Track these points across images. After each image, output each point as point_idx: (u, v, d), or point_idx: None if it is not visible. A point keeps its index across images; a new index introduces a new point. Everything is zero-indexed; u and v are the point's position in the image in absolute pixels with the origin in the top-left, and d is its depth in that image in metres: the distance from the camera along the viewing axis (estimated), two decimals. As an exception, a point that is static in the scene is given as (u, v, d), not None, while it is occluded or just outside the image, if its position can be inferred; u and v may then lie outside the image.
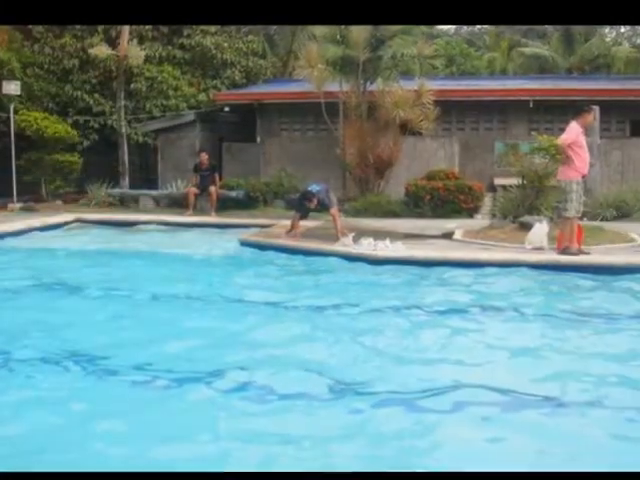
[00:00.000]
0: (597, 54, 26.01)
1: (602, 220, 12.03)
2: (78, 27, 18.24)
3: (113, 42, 17.03)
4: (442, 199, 13.83)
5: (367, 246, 9.10)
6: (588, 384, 4.52)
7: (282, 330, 5.78)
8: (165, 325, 6.06)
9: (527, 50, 26.67)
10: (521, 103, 15.98)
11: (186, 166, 16.33)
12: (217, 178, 14.85)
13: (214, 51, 19.42)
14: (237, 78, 19.88)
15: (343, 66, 15.03)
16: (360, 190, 14.91)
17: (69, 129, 16.92)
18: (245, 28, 21.66)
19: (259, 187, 15.15)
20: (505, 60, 28.70)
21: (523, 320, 6.26)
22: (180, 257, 9.73)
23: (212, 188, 14.39)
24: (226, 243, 10.43)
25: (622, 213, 12.72)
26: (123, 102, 16.70)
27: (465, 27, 35.24)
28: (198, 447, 3.60)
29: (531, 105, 15.86)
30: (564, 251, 8.62)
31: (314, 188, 10.56)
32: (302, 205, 10.58)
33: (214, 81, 19.59)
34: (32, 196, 15.98)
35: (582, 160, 8.68)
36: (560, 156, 8.97)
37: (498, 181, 15.00)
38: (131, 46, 16.35)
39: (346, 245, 9.33)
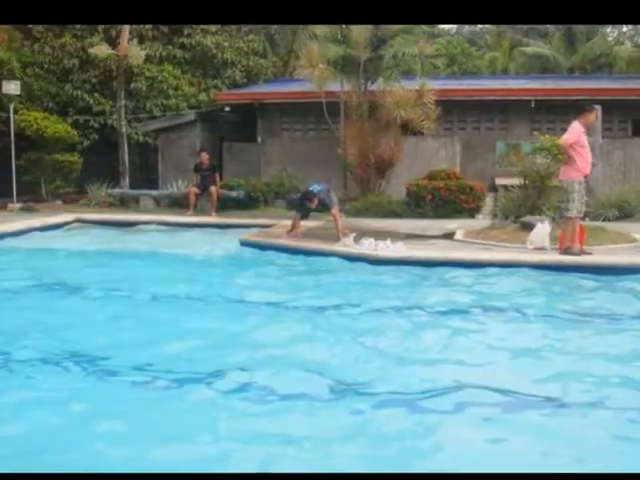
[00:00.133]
0: (599, 53, 25.98)
1: (604, 220, 12.01)
2: (78, 27, 18.21)
3: (113, 42, 17.01)
4: (443, 199, 13.81)
5: (368, 246, 9.09)
6: (590, 385, 4.50)
7: (283, 330, 5.77)
8: (165, 325, 6.05)
9: (529, 49, 26.65)
10: (523, 103, 15.96)
11: (186, 166, 16.31)
12: (218, 178, 14.85)
13: (214, 50, 19.41)
14: (238, 78, 19.87)
15: (344, 66, 15.02)
16: (361, 190, 14.90)
17: (69, 129, 16.90)
18: (246, 27, 21.65)
19: (260, 187, 15.14)
20: (507, 60, 28.68)
21: (525, 320, 6.25)
22: (180, 257, 9.72)
23: (213, 188, 14.38)
24: (227, 243, 10.42)
25: (624, 213, 12.70)
26: (123, 102, 16.68)
27: (466, 26, 35.23)
28: (198, 448, 3.59)
29: (533, 105, 15.84)
30: (566, 251, 8.60)
31: (315, 188, 10.54)
32: (303, 205, 10.57)
33: (214, 81, 19.58)
34: (32, 196, 15.96)
35: (584, 160, 8.66)
36: (562, 156, 8.96)
37: (500, 181, 14.98)
38: (131, 45, 16.33)
39: (347, 245, 9.32)
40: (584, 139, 8.69)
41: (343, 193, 14.71)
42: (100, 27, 18.10)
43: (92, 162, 17.56)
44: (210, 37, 19.35)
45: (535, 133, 13.57)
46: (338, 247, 9.38)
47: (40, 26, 18.34)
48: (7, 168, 15.47)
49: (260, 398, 4.27)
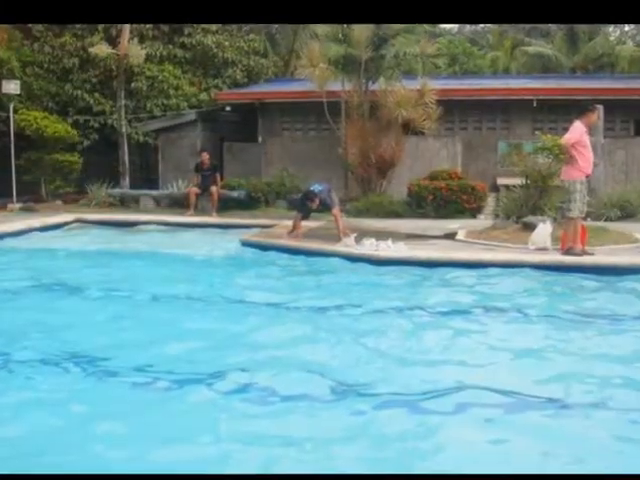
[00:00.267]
0: (601, 53, 25.94)
1: (606, 220, 11.99)
2: (78, 26, 18.19)
3: (113, 41, 17.00)
4: (445, 199, 13.79)
5: (369, 246, 9.07)
6: (592, 385, 4.49)
7: (284, 331, 5.76)
8: (166, 326, 6.03)
9: (530, 49, 26.62)
10: (524, 102, 15.93)
11: (187, 166, 16.30)
12: (218, 178, 14.84)
13: (215, 50, 19.39)
14: (238, 77, 19.84)
15: (345, 65, 15.01)
16: (362, 190, 14.88)
17: (69, 129, 16.88)
18: (246, 27, 21.63)
19: (260, 187, 15.12)
20: (508, 59, 28.67)
21: (526, 321, 6.24)
22: (181, 257, 9.71)
23: (213, 188, 14.37)
24: (227, 243, 10.41)
25: (626, 213, 12.68)
26: (123, 101, 16.67)
27: (468, 26, 35.22)
28: (199, 449, 3.58)
29: (534, 104, 15.80)
30: (568, 251, 8.58)
31: (316, 188, 10.53)
32: (304, 205, 10.56)
33: (215, 80, 19.56)
34: (32, 196, 15.95)
35: (586, 160, 8.64)
36: (564, 156, 8.93)
37: (501, 181, 14.96)
38: (132, 45, 16.31)
39: (348, 245, 9.30)
40: (586, 139, 8.67)
41: (344, 193, 14.70)
42: (100, 26, 18.07)
43: (92, 162, 17.54)
44: (211, 36, 19.33)
45: (537, 133, 13.49)
46: (339, 247, 9.37)
47: (40, 25, 18.33)
48: (7, 168, 15.45)
49: (261, 399, 4.26)
